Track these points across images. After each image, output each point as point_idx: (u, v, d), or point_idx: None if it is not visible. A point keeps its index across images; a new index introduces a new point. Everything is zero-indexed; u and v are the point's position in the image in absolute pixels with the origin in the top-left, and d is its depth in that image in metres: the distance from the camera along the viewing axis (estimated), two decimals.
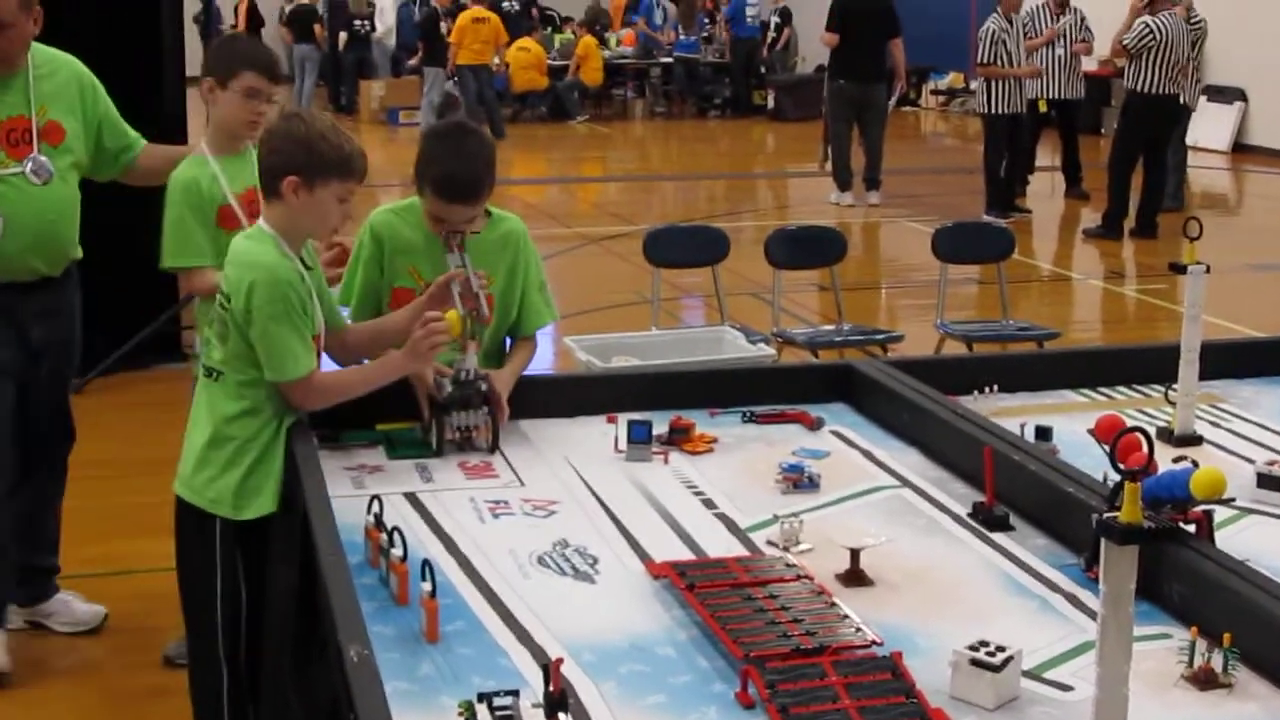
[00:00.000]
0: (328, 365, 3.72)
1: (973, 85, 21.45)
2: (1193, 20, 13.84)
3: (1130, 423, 2.98)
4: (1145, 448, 2.02)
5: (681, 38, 25.85)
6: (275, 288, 3.50)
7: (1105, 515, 1.96)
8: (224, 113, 4.46)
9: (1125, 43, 12.86)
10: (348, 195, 3.62)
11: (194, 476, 3.67)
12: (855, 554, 2.91)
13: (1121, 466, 1.99)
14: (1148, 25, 12.75)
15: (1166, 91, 12.90)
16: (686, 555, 3.02)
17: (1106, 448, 2.94)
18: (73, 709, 4.71)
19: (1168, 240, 12.75)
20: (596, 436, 3.76)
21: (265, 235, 3.60)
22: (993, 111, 13.77)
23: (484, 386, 3.68)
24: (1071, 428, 3.66)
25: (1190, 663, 2.48)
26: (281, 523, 3.50)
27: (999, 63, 13.59)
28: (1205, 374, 3.75)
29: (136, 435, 7.07)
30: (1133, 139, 13.13)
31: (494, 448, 3.67)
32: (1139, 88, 12.90)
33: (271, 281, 3.51)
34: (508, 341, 4.10)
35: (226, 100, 4.45)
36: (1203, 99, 14.84)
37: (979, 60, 13.87)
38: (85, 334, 7.66)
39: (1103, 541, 1.95)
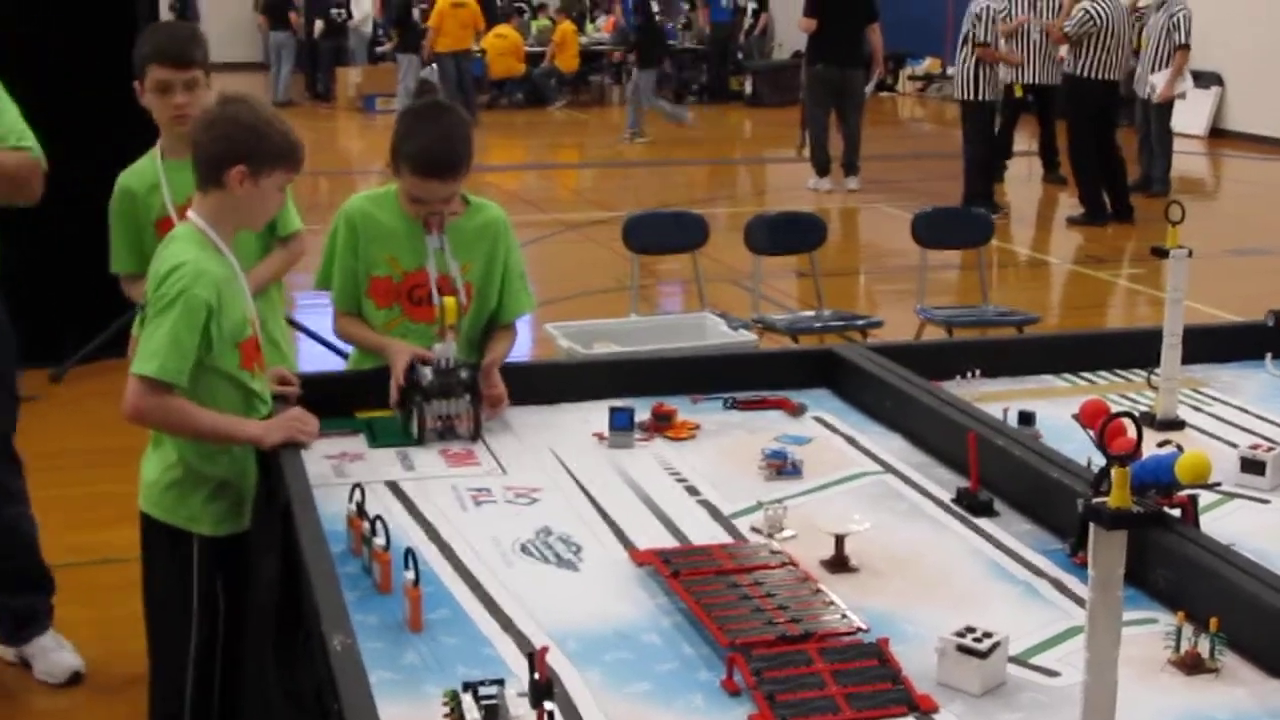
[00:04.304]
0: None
1: (949, 70, 21.46)
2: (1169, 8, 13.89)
3: (1114, 408, 2.98)
4: (1133, 433, 2.01)
5: None
6: (184, 281, 3.30)
7: (1093, 500, 1.95)
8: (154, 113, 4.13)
9: (1066, 29, 12.85)
10: (285, 186, 3.53)
11: (164, 495, 3.55)
12: (840, 540, 2.90)
13: (1109, 451, 1.97)
14: (1087, 11, 12.80)
15: (1107, 76, 12.92)
16: (670, 542, 3.00)
17: (1092, 433, 2.94)
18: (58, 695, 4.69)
19: (1144, 225, 12.78)
20: (579, 423, 3.75)
21: (191, 234, 3.41)
22: (973, 98, 13.58)
23: (465, 375, 3.66)
24: (1054, 412, 3.65)
25: (1177, 648, 2.48)
26: (263, 512, 3.47)
27: (993, 44, 13.38)
28: (1187, 358, 3.76)
29: (115, 422, 6.99)
30: (1085, 123, 13.09)
31: (476, 436, 3.65)
32: (1080, 72, 12.93)
33: (192, 274, 3.31)
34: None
35: (146, 99, 4.10)
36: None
37: (977, 40, 13.52)
38: (62, 323, 7.61)
39: (1091, 527, 1.94)
